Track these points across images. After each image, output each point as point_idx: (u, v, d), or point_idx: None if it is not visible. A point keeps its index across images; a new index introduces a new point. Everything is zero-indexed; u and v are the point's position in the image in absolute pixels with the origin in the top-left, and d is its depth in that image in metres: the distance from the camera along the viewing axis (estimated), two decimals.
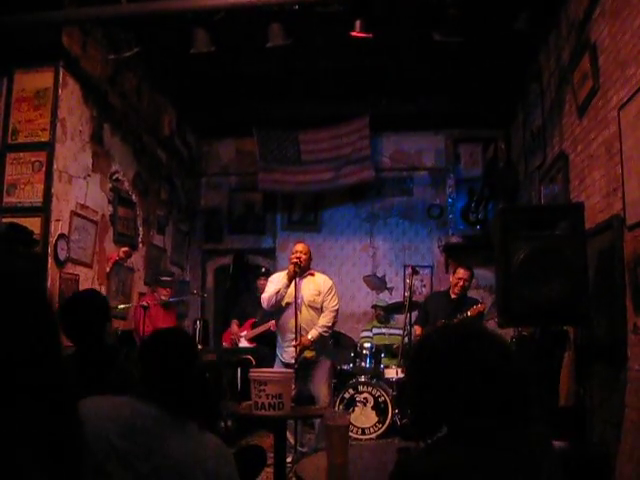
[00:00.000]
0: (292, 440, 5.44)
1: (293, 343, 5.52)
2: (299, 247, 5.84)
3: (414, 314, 6.67)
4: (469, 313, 5.97)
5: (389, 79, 7.78)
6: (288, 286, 5.60)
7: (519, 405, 1.49)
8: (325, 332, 5.73)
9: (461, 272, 6.42)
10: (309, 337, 5.59)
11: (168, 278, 7.33)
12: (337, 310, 5.85)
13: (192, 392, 2.10)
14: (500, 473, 1.39)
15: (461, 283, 6.34)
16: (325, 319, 5.74)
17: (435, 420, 1.52)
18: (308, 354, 5.59)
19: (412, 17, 6.02)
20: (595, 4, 4.85)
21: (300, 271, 5.67)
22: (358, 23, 5.34)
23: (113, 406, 1.98)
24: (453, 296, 6.39)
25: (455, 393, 1.46)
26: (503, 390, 1.47)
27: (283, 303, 5.73)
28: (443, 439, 1.49)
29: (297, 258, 5.65)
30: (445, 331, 1.61)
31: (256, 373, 3.76)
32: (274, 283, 5.77)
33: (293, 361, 5.54)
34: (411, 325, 6.55)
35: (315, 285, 5.80)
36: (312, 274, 5.89)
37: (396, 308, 8.16)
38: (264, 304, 5.78)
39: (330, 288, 5.87)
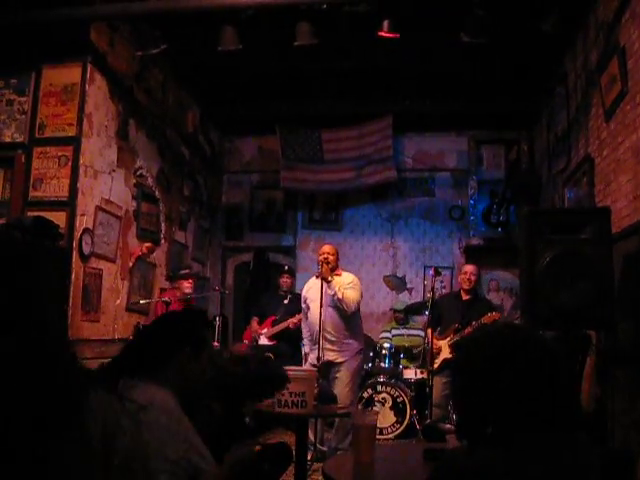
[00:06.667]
0: (312, 438, 5.43)
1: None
2: (326, 248, 5.84)
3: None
4: (484, 320, 5.98)
5: (413, 79, 7.76)
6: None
7: (563, 412, 1.50)
8: (343, 294, 5.61)
9: (467, 267, 6.63)
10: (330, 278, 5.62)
11: (186, 270, 7.34)
12: (358, 301, 5.76)
13: None
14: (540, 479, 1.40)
15: (470, 277, 6.44)
16: (349, 292, 5.69)
17: (479, 422, 1.53)
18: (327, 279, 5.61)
19: (439, 17, 6.00)
20: (625, 7, 4.83)
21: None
22: (386, 23, 5.34)
23: None
24: (465, 297, 6.41)
25: (503, 398, 1.48)
26: (550, 397, 1.48)
27: (310, 306, 5.76)
28: (487, 440, 1.50)
29: (325, 258, 5.65)
30: (495, 335, 1.61)
31: None
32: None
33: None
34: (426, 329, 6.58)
35: (341, 284, 5.75)
36: (339, 274, 5.85)
37: (414, 310, 8.16)
38: None
39: (351, 281, 5.79)
